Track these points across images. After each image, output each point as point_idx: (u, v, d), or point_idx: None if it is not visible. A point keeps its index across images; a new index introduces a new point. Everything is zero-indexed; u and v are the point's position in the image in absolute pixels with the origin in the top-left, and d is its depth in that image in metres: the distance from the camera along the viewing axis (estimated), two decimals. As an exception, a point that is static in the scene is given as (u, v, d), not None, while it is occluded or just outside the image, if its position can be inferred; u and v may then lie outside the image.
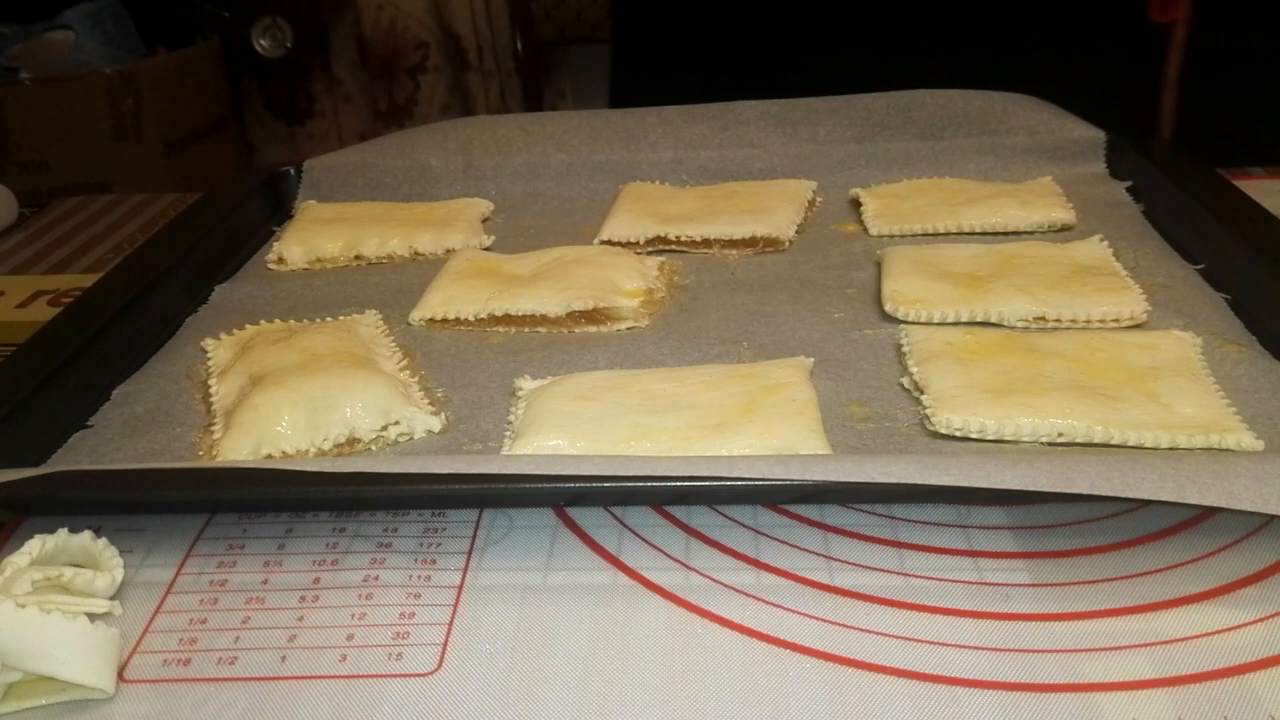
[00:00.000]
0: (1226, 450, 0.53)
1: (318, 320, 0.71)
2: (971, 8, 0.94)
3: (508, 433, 0.59)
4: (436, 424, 0.60)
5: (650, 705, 0.42)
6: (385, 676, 0.45)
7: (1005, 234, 0.80)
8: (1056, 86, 0.92)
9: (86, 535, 0.50)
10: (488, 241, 0.85)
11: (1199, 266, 0.72)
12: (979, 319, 0.67)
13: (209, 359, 0.68)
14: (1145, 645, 0.44)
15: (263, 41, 1.72)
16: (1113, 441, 0.54)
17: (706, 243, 0.81)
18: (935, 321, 0.68)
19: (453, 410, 0.62)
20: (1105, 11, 0.92)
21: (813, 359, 0.63)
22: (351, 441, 0.59)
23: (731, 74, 0.94)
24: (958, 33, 0.96)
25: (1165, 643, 0.44)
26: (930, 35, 0.96)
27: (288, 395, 0.59)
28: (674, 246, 0.82)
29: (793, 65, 0.93)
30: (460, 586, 0.50)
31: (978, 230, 0.81)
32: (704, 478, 0.48)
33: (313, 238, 0.84)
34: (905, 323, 0.68)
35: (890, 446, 0.56)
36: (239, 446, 0.58)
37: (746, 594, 0.48)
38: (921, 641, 0.45)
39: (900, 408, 0.60)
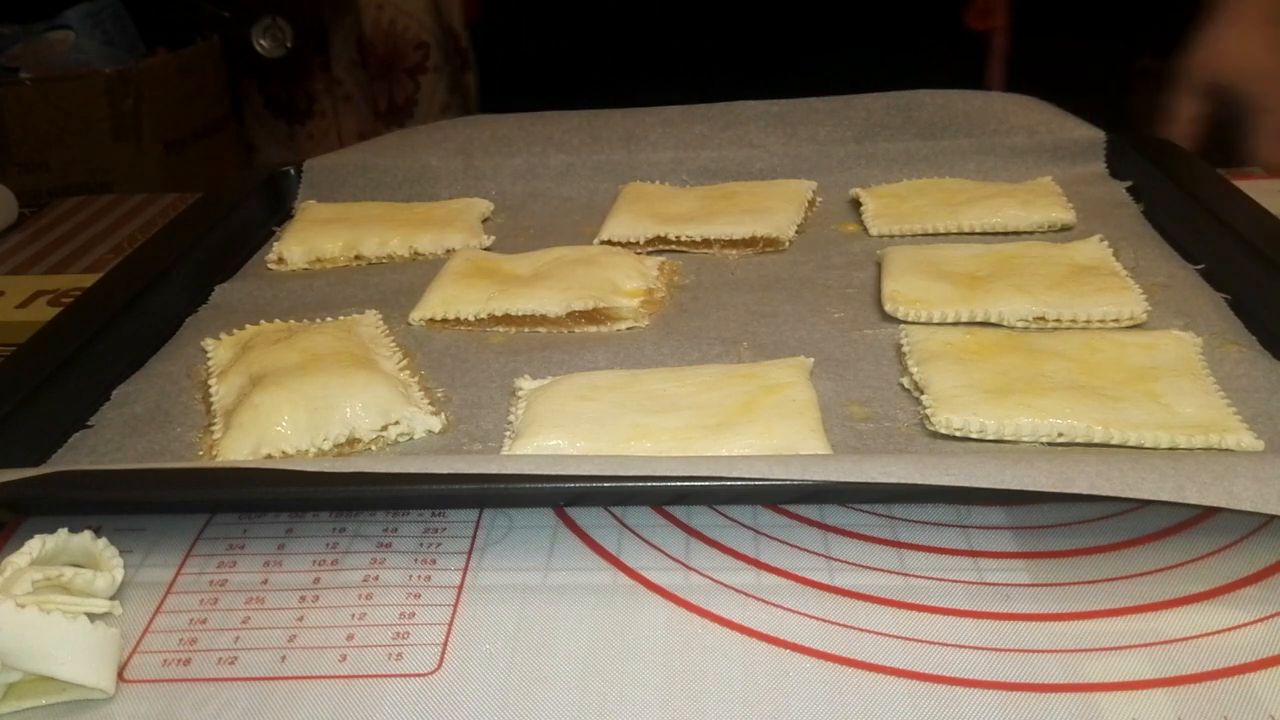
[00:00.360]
0: (1226, 450, 0.53)
1: (318, 320, 0.71)
2: (792, 16, 0.95)
3: (508, 433, 0.59)
4: (436, 424, 0.60)
5: (650, 705, 0.42)
6: (385, 676, 0.45)
7: (1005, 234, 0.80)
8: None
9: (86, 535, 0.50)
10: (488, 241, 0.85)
11: (1199, 266, 0.72)
12: (979, 319, 0.67)
13: (209, 359, 0.68)
14: (1145, 645, 0.44)
15: (263, 41, 1.72)
16: (1113, 441, 0.54)
17: (706, 243, 0.81)
18: (935, 321, 0.68)
19: (453, 410, 0.62)
20: (927, 20, 0.93)
21: (813, 359, 0.63)
22: (351, 441, 0.59)
23: (591, 87, 0.95)
24: (780, 41, 0.97)
25: (1165, 643, 0.44)
26: (752, 46, 0.97)
27: (288, 395, 0.59)
28: (674, 246, 0.82)
29: (634, 81, 0.95)
30: (460, 586, 0.50)
31: (978, 230, 0.81)
32: (704, 478, 0.48)
33: (313, 238, 0.84)
34: (905, 323, 0.68)
35: (890, 446, 0.56)
36: (239, 446, 0.58)
37: (746, 594, 0.48)
38: (921, 641, 0.45)
39: (900, 408, 0.60)
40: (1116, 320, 0.66)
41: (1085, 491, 0.46)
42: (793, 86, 0.94)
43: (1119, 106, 0.91)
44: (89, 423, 0.62)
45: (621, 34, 1.01)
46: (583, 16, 1.02)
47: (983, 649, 0.44)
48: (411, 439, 0.60)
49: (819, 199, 0.89)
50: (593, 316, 0.71)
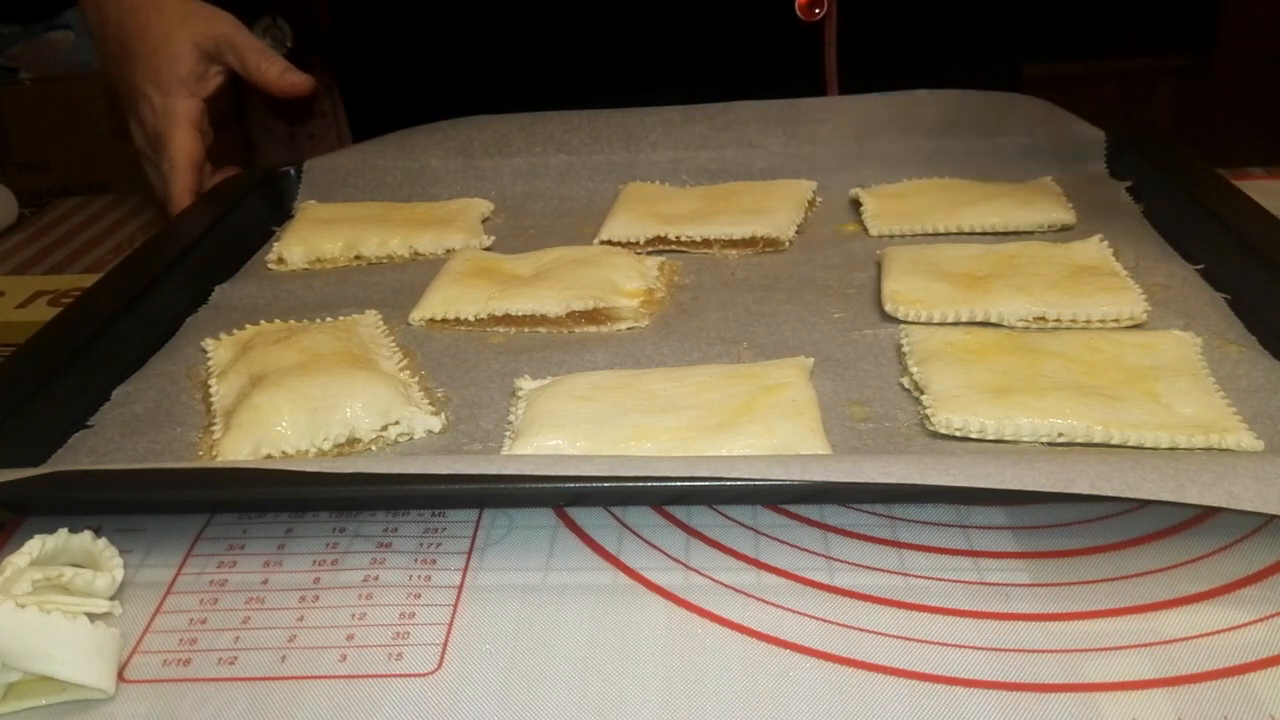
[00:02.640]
0: (1226, 450, 0.53)
1: (318, 320, 0.72)
2: (632, 25, 0.97)
3: (508, 433, 0.59)
4: (436, 424, 0.60)
5: (650, 705, 0.42)
6: (385, 676, 0.45)
7: (1005, 234, 0.80)
8: (726, 93, 0.95)
9: (86, 535, 0.50)
10: (488, 241, 0.85)
11: (1199, 266, 0.72)
12: (979, 319, 0.67)
13: (209, 359, 0.68)
14: (1145, 645, 0.44)
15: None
16: (1113, 441, 0.54)
17: (706, 243, 0.81)
18: (935, 321, 0.68)
19: (453, 410, 0.62)
20: (762, 15, 0.96)
21: (813, 359, 0.63)
22: (351, 441, 0.59)
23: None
24: (629, 50, 0.99)
25: (1165, 643, 0.44)
26: (603, 56, 0.99)
27: (288, 395, 0.59)
28: (674, 246, 0.82)
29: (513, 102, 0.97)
30: (460, 586, 0.50)
31: (978, 230, 0.81)
32: (704, 478, 0.48)
33: (313, 238, 0.84)
34: (905, 323, 0.68)
35: (890, 446, 0.56)
36: (239, 446, 0.58)
37: (746, 594, 0.48)
38: (921, 641, 0.45)
39: (900, 408, 0.60)
40: (1116, 320, 0.66)
41: (1085, 491, 0.46)
42: (639, 88, 0.95)
43: (952, 81, 0.94)
44: (89, 423, 0.62)
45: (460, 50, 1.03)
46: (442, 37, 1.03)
47: (983, 649, 0.44)
48: (411, 439, 0.60)
49: (819, 199, 0.89)
50: (593, 316, 0.71)
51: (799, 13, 0.95)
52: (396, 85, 1.08)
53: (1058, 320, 0.67)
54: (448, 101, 0.98)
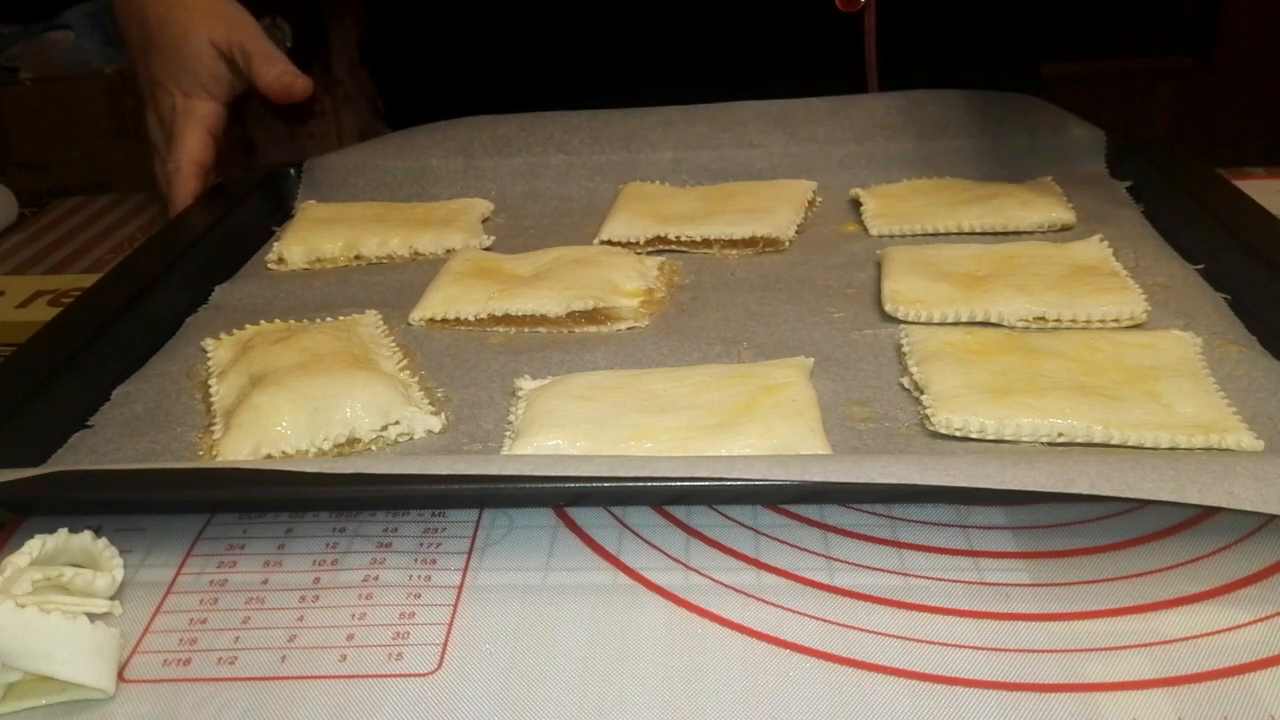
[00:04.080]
0: (1226, 450, 0.53)
1: (318, 320, 0.72)
2: (674, 17, 0.97)
3: (508, 433, 0.59)
4: (436, 424, 0.60)
5: (650, 705, 0.42)
6: (385, 676, 0.45)
7: (1005, 234, 0.80)
8: (767, 85, 0.95)
9: (86, 535, 0.50)
10: (488, 241, 0.85)
11: (1199, 266, 0.72)
12: (979, 319, 0.67)
13: (209, 359, 0.68)
14: (1145, 645, 0.44)
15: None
16: (1113, 441, 0.54)
17: (706, 243, 0.82)
18: (935, 321, 0.68)
19: (453, 410, 0.62)
20: (801, 6, 0.96)
21: (813, 359, 0.63)
22: (351, 441, 0.59)
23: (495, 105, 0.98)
24: (672, 43, 0.99)
25: (1165, 643, 0.44)
26: (633, 46, 0.99)
27: (288, 395, 0.59)
28: (674, 246, 0.82)
29: (546, 96, 0.97)
30: (460, 586, 0.50)
31: (978, 230, 0.81)
32: (704, 478, 0.48)
33: (313, 238, 0.84)
34: (905, 323, 0.68)
35: (890, 446, 0.56)
36: (239, 446, 0.58)
37: (746, 594, 0.48)
38: (921, 641, 0.45)
39: (900, 408, 0.60)
40: (1116, 320, 0.66)
41: (1085, 491, 0.46)
42: (682, 79, 0.95)
43: (994, 77, 0.94)
44: (89, 423, 0.62)
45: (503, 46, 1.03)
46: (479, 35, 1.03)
47: (983, 649, 0.44)
48: (411, 439, 0.60)
49: (819, 199, 0.89)
50: (593, 316, 0.71)
51: (838, 4, 0.95)
52: (432, 85, 1.08)
53: (1058, 320, 0.67)
54: (486, 99, 0.98)
